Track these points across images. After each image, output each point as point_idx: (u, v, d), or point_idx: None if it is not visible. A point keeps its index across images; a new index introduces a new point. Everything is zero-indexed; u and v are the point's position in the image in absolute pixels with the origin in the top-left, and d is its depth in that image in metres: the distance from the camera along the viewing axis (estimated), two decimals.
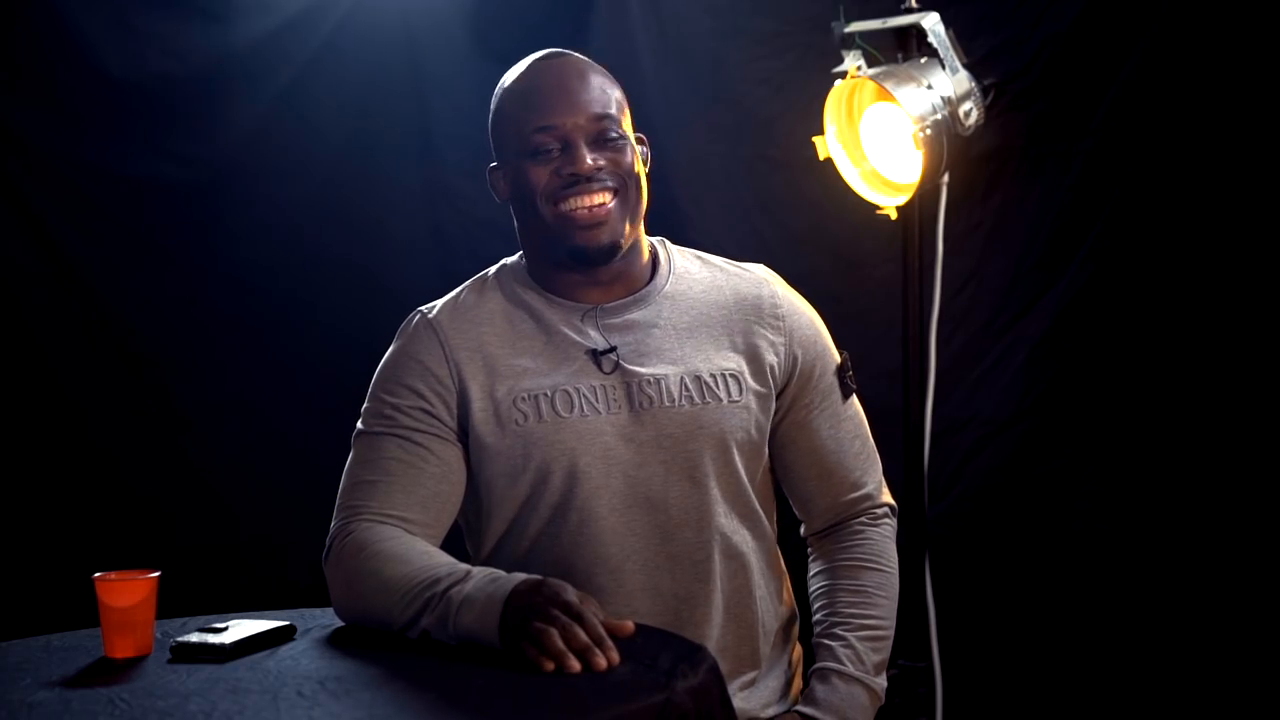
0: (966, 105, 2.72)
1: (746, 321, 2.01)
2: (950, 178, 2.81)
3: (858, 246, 3.09)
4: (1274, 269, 2.62)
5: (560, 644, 1.57)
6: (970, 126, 2.74)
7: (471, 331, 1.97)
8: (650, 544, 1.91)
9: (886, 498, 2.11)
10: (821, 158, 2.83)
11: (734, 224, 3.26)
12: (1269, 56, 2.59)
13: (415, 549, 1.82)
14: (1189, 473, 2.70)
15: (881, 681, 1.99)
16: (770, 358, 1.99)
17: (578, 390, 1.92)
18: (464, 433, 1.94)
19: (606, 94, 1.96)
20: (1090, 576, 2.82)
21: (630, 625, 1.67)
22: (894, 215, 2.84)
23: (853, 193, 2.87)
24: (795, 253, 3.07)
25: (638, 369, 1.93)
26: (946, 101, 2.70)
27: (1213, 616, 2.67)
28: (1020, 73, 2.86)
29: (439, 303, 2.04)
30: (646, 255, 2.04)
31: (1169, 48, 2.68)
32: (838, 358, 2.07)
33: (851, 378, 2.07)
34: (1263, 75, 2.60)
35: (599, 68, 2.01)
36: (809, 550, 2.13)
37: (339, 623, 1.85)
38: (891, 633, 2.04)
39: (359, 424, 1.98)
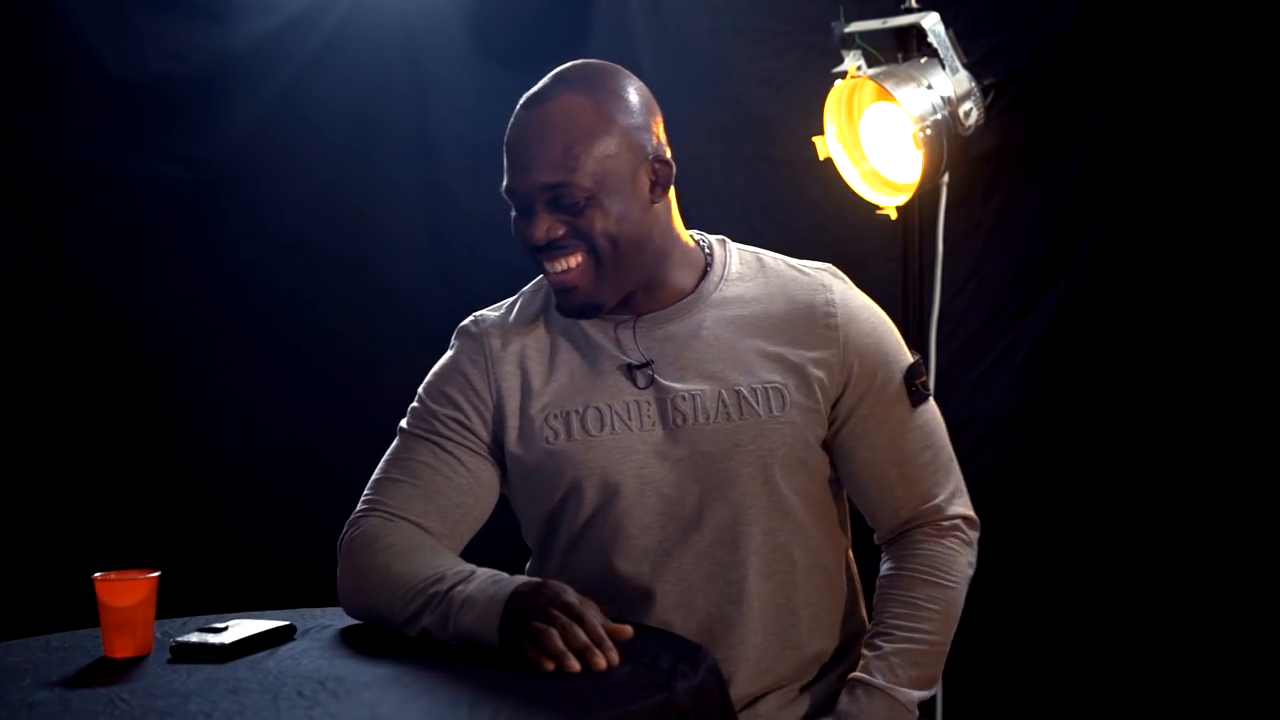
0: (966, 105, 2.72)
1: (796, 331, 1.91)
2: (950, 178, 2.81)
3: (858, 246, 3.08)
4: (1274, 269, 2.62)
5: (560, 644, 1.57)
6: (970, 126, 2.74)
7: (515, 345, 1.94)
8: (684, 562, 1.87)
9: (960, 509, 1.98)
10: (821, 158, 2.83)
11: (734, 224, 3.23)
12: (1269, 56, 2.59)
13: (423, 547, 1.82)
14: (1189, 473, 2.70)
15: (911, 694, 1.87)
16: (819, 370, 1.89)
17: (610, 407, 1.88)
18: (499, 446, 1.93)
19: (569, 153, 1.80)
20: (1090, 576, 2.82)
21: (629, 630, 1.66)
22: (894, 215, 2.84)
23: (853, 193, 2.87)
24: (795, 253, 3.06)
25: (673, 384, 1.87)
26: (946, 101, 2.70)
27: (1213, 616, 2.67)
28: (1020, 73, 2.86)
29: (494, 311, 2.01)
30: (691, 256, 1.96)
31: (1169, 48, 2.68)
32: (906, 363, 1.94)
33: (924, 383, 1.95)
34: (1263, 75, 2.60)
35: (577, 111, 1.83)
36: (881, 558, 2.03)
37: (339, 623, 1.85)
38: (939, 647, 1.92)
39: (403, 420, 1.97)
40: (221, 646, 1.67)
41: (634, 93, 1.90)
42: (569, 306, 1.89)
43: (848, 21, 2.79)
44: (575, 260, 1.85)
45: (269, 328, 3.49)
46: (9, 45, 3.36)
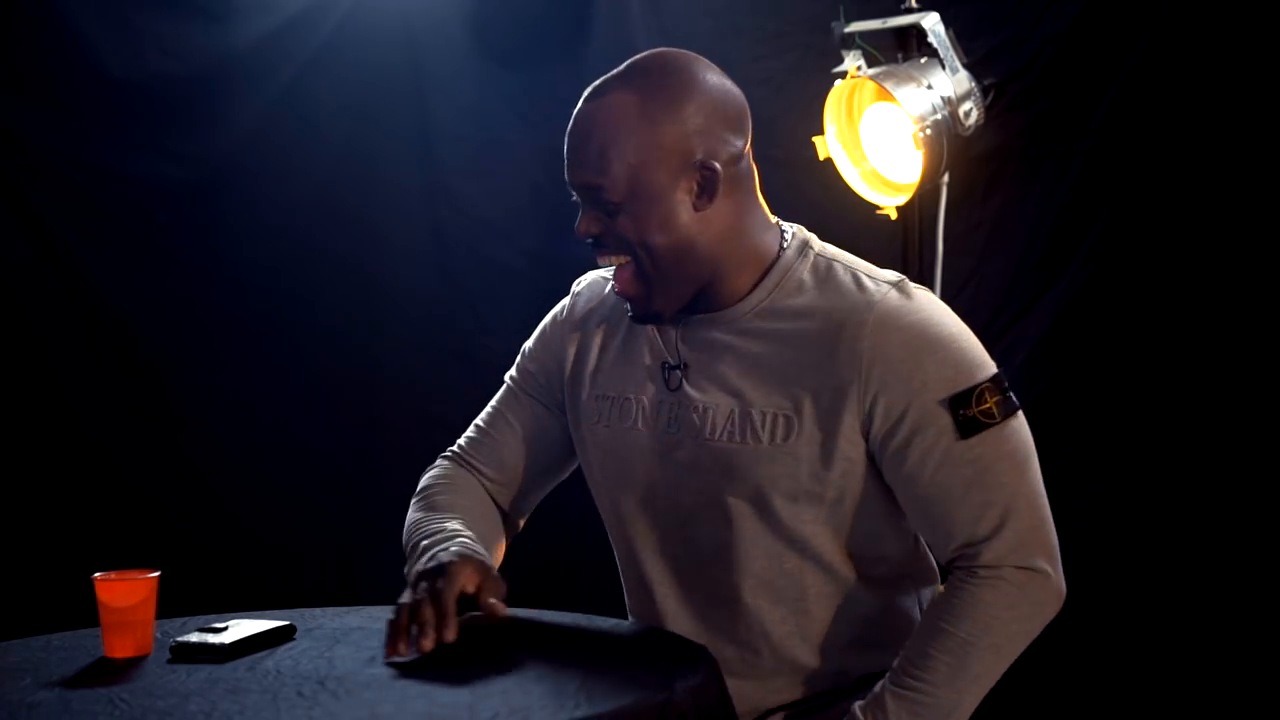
0: (966, 105, 2.72)
1: (821, 353, 1.75)
2: (950, 178, 2.81)
3: (858, 246, 3.05)
4: (1274, 269, 2.62)
5: (405, 620, 1.65)
6: (970, 126, 2.74)
7: (593, 317, 1.95)
8: (682, 571, 1.86)
9: (1012, 558, 1.75)
10: (821, 158, 2.83)
11: None
12: (1269, 56, 2.59)
13: (446, 501, 1.93)
14: (1189, 473, 2.70)
15: None
16: (836, 399, 1.74)
17: (638, 401, 1.87)
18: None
19: (603, 156, 1.75)
20: (1090, 576, 2.81)
21: (503, 609, 1.70)
22: (894, 215, 2.84)
23: (853, 193, 2.87)
24: None
25: (695, 393, 1.82)
26: (946, 101, 2.70)
27: (1213, 616, 2.67)
28: (1020, 73, 2.86)
29: (597, 274, 2.00)
30: (759, 259, 1.83)
31: (1169, 48, 2.68)
32: (957, 390, 1.72)
33: (986, 411, 1.72)
34: (1263, 75, 2.60)
35: (620, 112, 1.75)
36: None
37: (339, 623, 1.85)
38: (947, 705, 1.73)
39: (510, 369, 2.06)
40: (221, 646, 1.67)
41: (697, 90, 1.77)
42: (633, 315, 1.86)
43: (848, 21, 2.79)
44: (619, 259, 1.81)
45: (269, 328, 3.49)
46: (9, 45, 3.36)
